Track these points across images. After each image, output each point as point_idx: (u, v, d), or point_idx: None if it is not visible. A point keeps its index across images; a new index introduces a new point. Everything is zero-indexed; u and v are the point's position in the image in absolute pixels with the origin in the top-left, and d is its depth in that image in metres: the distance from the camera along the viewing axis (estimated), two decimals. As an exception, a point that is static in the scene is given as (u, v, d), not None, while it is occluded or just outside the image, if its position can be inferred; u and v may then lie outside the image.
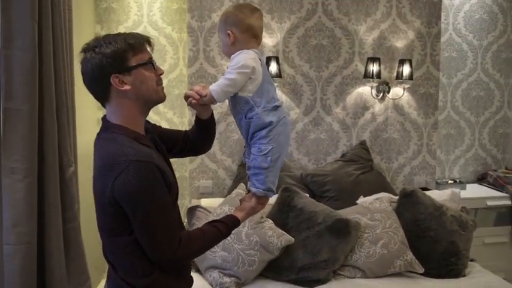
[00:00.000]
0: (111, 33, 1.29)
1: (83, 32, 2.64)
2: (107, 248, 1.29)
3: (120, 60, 1.20)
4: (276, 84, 2.85)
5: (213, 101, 1.34)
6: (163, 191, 1.21)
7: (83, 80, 1.25)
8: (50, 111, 1.80)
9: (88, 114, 2.75)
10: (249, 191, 1.43)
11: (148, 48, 1.28)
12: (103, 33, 2.80)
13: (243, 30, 1.37)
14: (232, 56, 1.37)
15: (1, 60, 1.63)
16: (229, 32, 1.37)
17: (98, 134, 1.30)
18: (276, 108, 1.37)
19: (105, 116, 1.30)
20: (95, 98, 1.28)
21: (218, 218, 1.42)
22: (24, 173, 1.66)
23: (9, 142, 1.65)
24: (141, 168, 1.15)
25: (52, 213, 1.82)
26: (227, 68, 1.36)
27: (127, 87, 1.21)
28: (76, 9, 2.20)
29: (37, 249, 1.75)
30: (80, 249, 2.02)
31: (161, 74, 1.30)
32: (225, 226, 1.35)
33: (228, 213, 2.12)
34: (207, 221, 1.42)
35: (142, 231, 1.20)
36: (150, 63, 1.25)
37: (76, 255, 1.99)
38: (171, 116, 3.09)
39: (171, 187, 1.25)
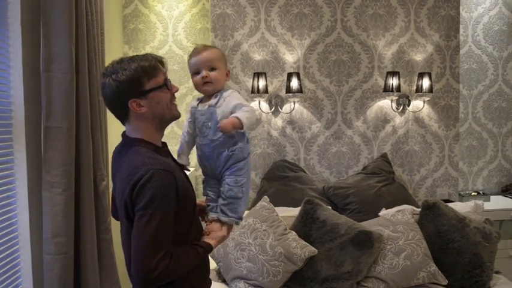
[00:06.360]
0: (127, 56, 1.36)
1: (112, 52, 2.77)
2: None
3: (136, 86, 1.29)
4: (297, 99, 2.93)
5: (242, 126, 1.39)
6: (172, 202, 1.24)
7: (104, 102, 1.36)
8: (85, 128, 1.92)
9: (117, 131, 2.87)
10: (213, 221, 1.47)
11: (162, 68, 1.35)
12: (131, 52, 2.95)
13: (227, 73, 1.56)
14: (229, 92, 1.48)
15: (42, 82, 1.75)
16: (228, 70, 1.54)
17: (119, 150, 1.40)
18: (248, 141, 1.50)
19: (124, 131, 1.41)
20: (116, 117, 1.39)
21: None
22: (63, 186, 1.76)
23: (49, 158, 1.75)
24: (161, 176, 1.21)
25: (87, 225, 1.92)
26: (232, 101, 1.44)
27: (144, 109, 1.31)
28: (106, 31, 2.31)
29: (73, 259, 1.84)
30: (112, 260, 2.10)
31: (176, 91, 1.40)
32: (203, 250, 1.37)
33: (252, 225, 2.19)
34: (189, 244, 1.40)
35: (139, 235, 1.20)
36: (164, 86, 1.34)
37: (108, 265, 2.08)
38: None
39: (185, 199, 1.31)
